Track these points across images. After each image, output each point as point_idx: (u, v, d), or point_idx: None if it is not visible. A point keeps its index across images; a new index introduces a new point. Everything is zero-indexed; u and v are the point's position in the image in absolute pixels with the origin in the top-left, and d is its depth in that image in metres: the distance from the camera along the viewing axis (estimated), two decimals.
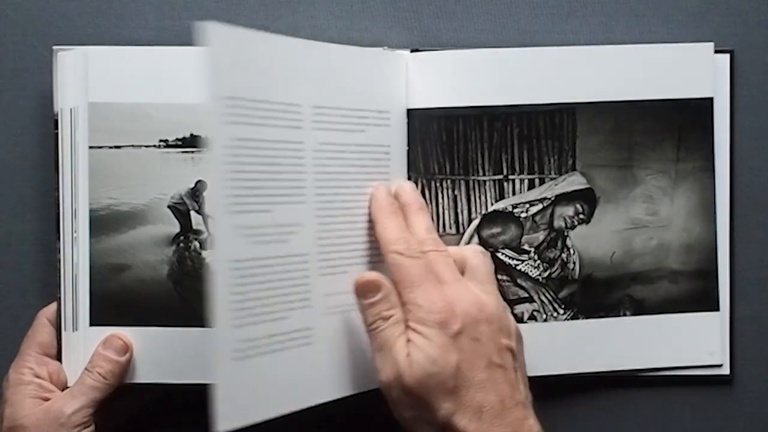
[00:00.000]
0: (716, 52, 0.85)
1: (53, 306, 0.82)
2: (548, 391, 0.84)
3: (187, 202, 0.82)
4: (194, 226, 0.82)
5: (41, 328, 0.82)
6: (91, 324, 0.81)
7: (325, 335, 0.78)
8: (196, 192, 0.82)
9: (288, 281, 0.75)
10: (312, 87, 0.77)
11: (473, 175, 0.83)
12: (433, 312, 0.73)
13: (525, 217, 0.84)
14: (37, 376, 0.80)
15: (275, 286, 0.74)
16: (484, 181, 0.84)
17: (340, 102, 0.78)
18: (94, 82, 0.81)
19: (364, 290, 0.75)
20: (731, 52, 0.86)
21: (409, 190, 0.80)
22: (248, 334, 0.72)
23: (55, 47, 0.82)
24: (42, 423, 0.77)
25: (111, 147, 0.81)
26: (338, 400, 0.79)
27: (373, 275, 0.75)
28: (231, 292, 0.71)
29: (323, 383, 0.78)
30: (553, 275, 0.85)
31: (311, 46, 0.77)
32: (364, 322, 0.76)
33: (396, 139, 0.82)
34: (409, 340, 0.73)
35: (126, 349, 0.81)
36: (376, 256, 0.79)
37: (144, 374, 0.82)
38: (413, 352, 0.72)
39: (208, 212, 0.81)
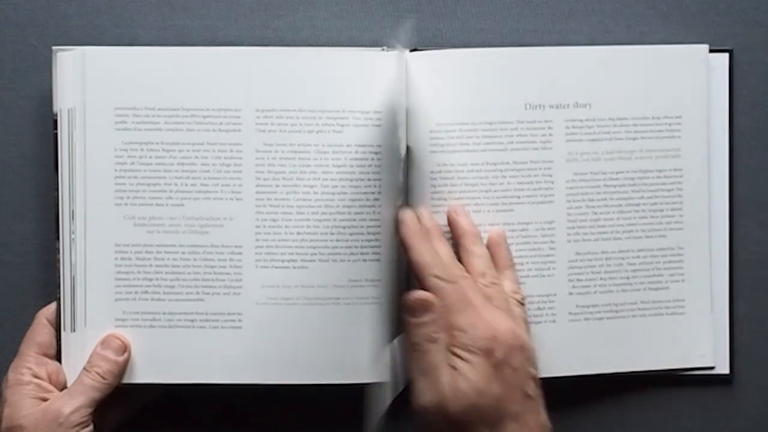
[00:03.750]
0: (715, 51, 0.85)
1: (52, 306, 0.82)
2: (546, 393, 0.84)
3: None
4: None
5: (40, 329, 0.82)
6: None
7: (258, 323, 0.82)
8: None
9: (206, 268, 0.82)
10: (255, 92, 0.82)
11: None
12: (477, 339, 0.73)
13: None
14: (36, 377, 0.80)
15: (182, 271, 0.82)
16: None
17: (299, 104, 0.82)
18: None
19: (414, 308, 0.75)
20: (730, 52, 0.86)
21: (428, 217, 0.80)
22: (135, 307, 0.82)
23: (54, 47, 0.82)
24: (40, 423, 0.77)
25: None
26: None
27: (426, 294, 0.75)
28: (114, 271, 0.82)
29: (251, 366, 0.82)
30: None
31: (257, 53, 0.83)
32: (407, 341, 0.76)
33: (390, 138, 0.82)
34: (453, 367, 0.73)
35: (124, 348, 0.81)
36: (326, 254, 0.82)
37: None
38: (459, 381, 0.72)
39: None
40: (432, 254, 0.77)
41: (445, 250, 0.78)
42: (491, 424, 0.72)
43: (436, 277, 0.75)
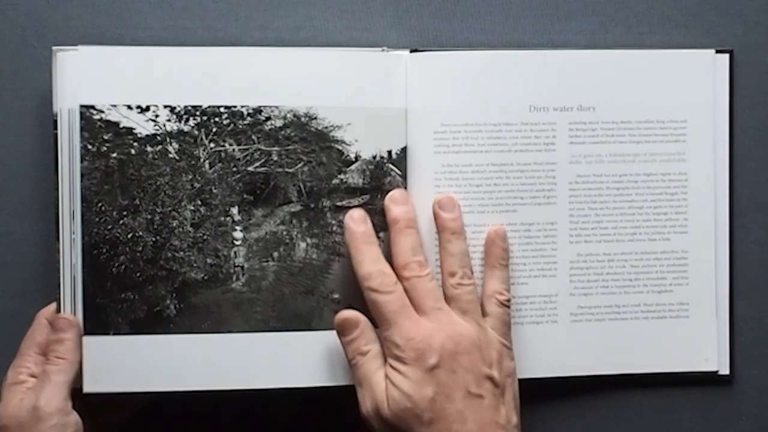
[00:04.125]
0: (716, 52, 0.86)
1: (53, 306, 0.82)
2: (547, 393, 0.84)
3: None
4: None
5: (40, 329, 0.81)
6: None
7: None
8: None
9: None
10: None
11: None
12: (408, 349, 0.75)
13: None
14: (33, 376, 0.79)
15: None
16: None
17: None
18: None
19: (342, 328, 0.79)
20: (730, 52, 0.86)
21: (399, 201, 0.81)
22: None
23: (54, 47, 0.82)
24: (22, 421, 0.77)
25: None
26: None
27: (350, 313, 0.78)
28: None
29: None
30: None
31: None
32: (346, 358, 0.79)
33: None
34: (387, 376, 0.76)
35: (71, 323, 0.80)
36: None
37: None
38: (390, 388, 0.75)
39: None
40: (370, 262, 0.78)
41: (407, 245, 0.79)
42: (428, 423, 0.74)
43: (371, 289, 0.77)
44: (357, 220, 0.80)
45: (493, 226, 0.82)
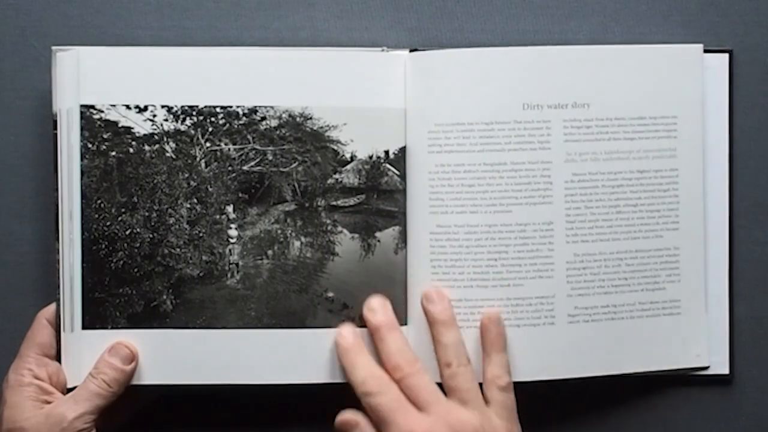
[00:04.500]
0: (715, 51, 0.86)
1: (53, 307, 0.82)
2: (546, 394, 0.84)
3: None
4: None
5: (41, 329, 0.81)
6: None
7: None
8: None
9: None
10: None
11: None
12: None
13: None
14: (37, 378, 0.79)
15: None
16: None
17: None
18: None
19: (342, 430, 0.79)
20: (730, 52, 0.86)
21: (378, 308, 0.81)
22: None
23: (54, 47, 0.82)
24: (42, 427, 0.77)
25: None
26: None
27: (348, 414, 0.79)
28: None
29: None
30: None
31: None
32: None
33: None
34: None
35: (132, 357, 0.81)
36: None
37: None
38: None
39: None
40: (361, 368, 0.79)
41: (394, 346, 0.79)
42: None
43: (366, 394, 0.78)
44: (345, 336, 0.81)
45: (485, 312, 0.82)
